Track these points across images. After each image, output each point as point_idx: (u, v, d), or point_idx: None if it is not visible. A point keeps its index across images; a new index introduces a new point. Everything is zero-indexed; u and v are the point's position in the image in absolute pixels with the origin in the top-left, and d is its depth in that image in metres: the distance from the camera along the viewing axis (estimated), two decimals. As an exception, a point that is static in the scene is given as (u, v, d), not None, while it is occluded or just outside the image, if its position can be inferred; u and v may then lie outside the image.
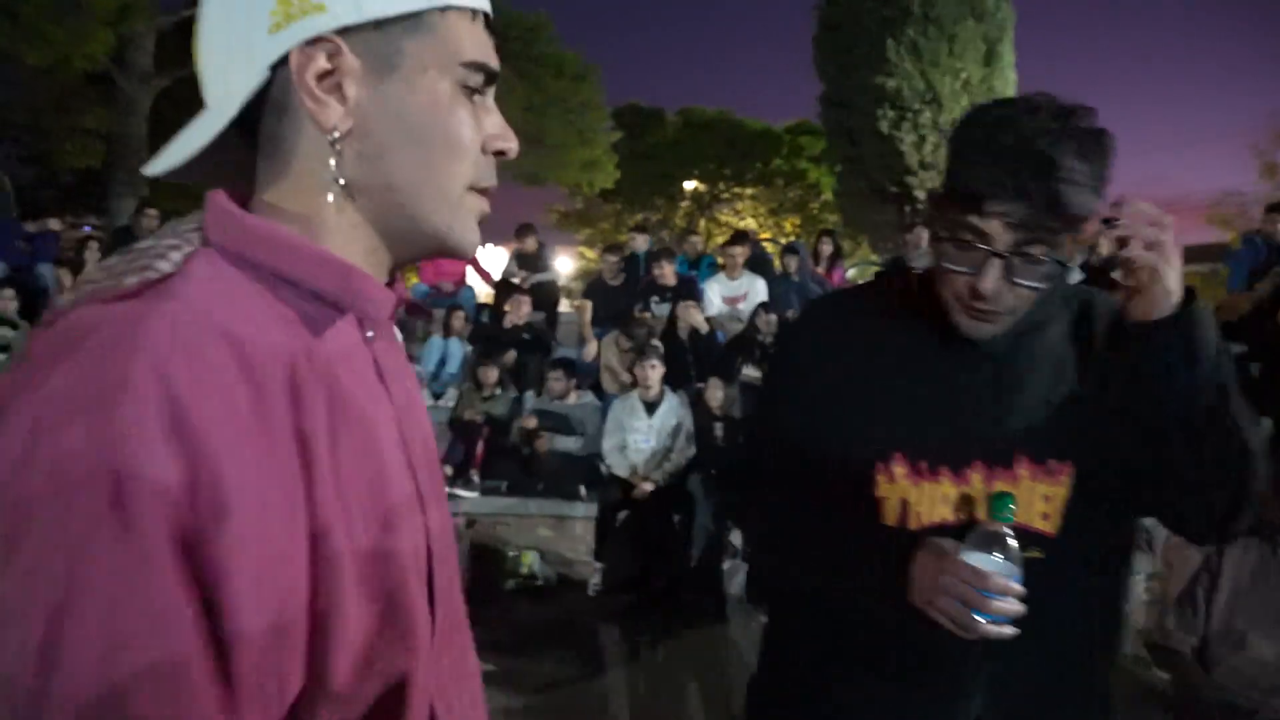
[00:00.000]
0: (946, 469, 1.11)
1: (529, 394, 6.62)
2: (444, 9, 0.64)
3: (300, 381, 0.58)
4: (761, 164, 23.35)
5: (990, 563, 0.99)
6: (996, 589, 0.97)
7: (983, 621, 0.97)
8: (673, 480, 5.56)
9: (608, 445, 5.73)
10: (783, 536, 1.22)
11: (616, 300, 7.45)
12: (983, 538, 1.01)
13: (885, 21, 13.86)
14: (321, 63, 0.61)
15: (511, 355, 6.84)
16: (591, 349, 7.15)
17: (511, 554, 5.63)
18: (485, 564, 5.62)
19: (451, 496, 5.79)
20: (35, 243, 7.33)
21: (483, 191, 0.68)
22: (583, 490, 5.88)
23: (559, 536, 5.79)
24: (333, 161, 0.63)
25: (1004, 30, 14.41)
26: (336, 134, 0.62)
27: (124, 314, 0.53)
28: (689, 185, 24.93)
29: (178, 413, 0.50)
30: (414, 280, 8.90)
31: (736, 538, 5.40)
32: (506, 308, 7.42)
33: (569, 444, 6.02)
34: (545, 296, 8.15)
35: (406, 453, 0.66)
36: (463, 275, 8.47)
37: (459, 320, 7.41)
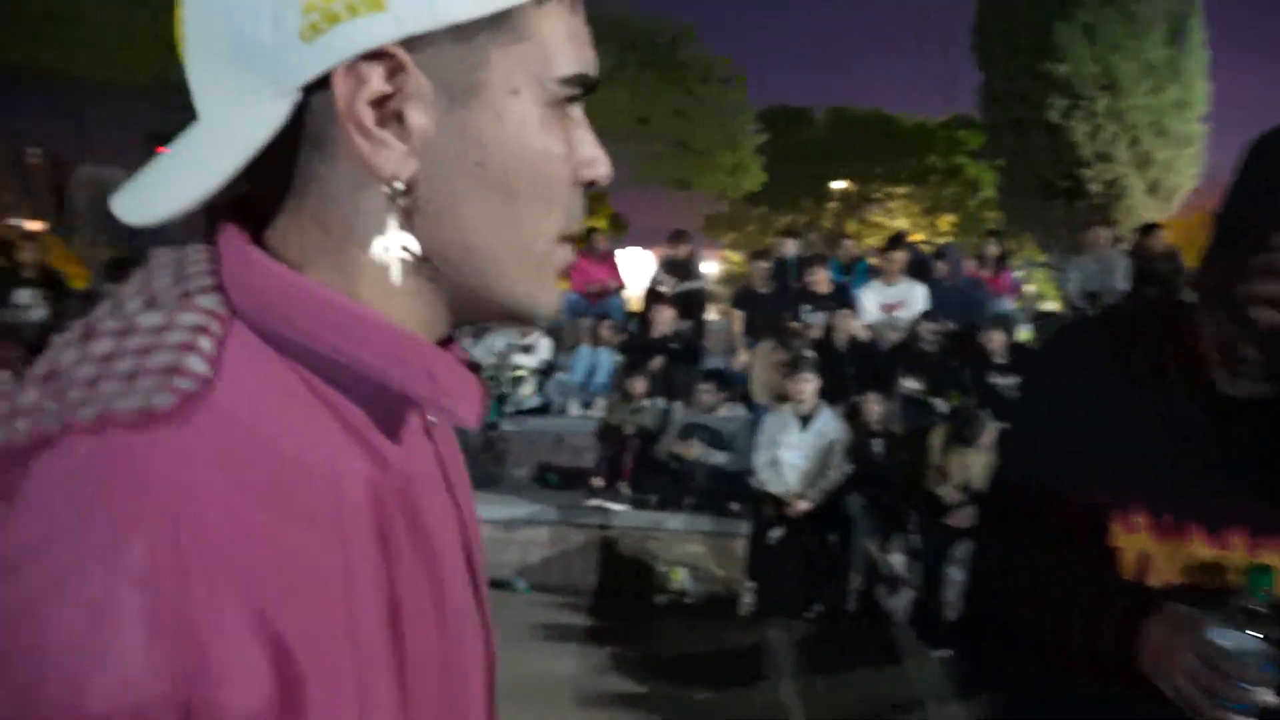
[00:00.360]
0: (1198, 528, 1.03)
1: (677, 405, 6.51)
2: (541, 0, 0.47)
3: (386, 518, 0.47)
4: (915, 161, 22.40)
5: (1244, 644, 0.86)
6: (1249, 678, 0.85)
7: (1231, 713, 0.85)
8: (828, 499, 5.30)
9: (759, 461, 5.54)
10: (1015, 575, 1.15)
11: (766, 308, 7.23)
12: (1236, 614, 0.88)
13: (1054, 4, 12.92)
14: (378, 84, 0.44)
15: (660, 365, 6.75)
16: (742, 359, 6.98)
17: (661, 569, 5.54)
18: (634, 578, 5.56)
19: (600, 509, 5.76)
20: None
21: (568, 239, 0.52)
22: (734, 506, 5.71)
23: (710, 553, 5.65)
24: (391, 219, 0.47)
25: (1192, 3, 13.12)
26: (398, 184, 0.46)
27: (171, 462, 0.39)
28: (837, 185, 24.25)
29: (266, 608, 0.39)
30: (563, 286, 8.99)
31: (898, 562, 5.09)
32: (650, 318, 7.36)
33: (719, 458, 5.87)
34: (693, 304, 8.04)
35: (470, 566, 0.56)
36: (614, 282, 8.48)
37: (607, 329, 7.40)
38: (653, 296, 7.90)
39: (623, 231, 23.56)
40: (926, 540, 5.05)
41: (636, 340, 7.18)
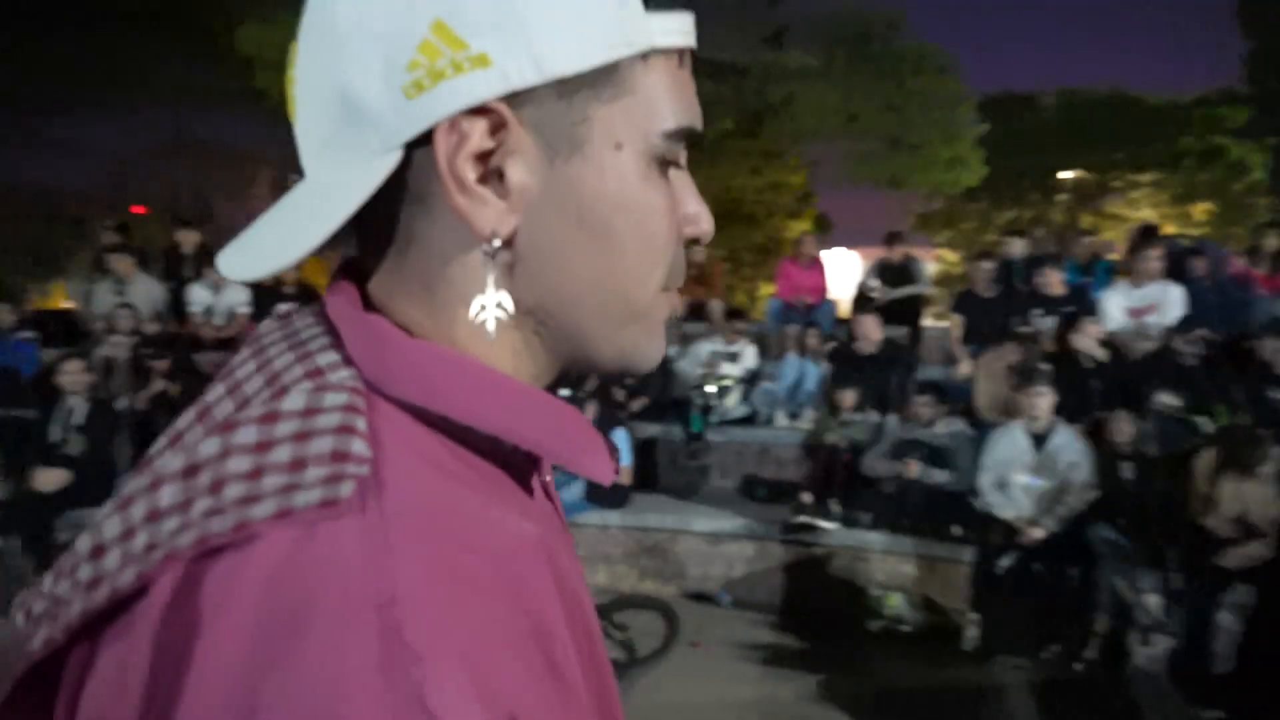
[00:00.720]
0: None
1: (891, 419, 6.14)
2: (646, 55, 0.47)
3: (558, 579, 0.46)
4: (1163, 144, 20.04)
5: None
6: None
7: None
8: (1067, 528, 4.77)
9: (985, 482, 5.09)
10: None
11: (990, 314, 6.67)
12: None
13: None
14: (479, 141, 0.44)
15: (870, 376, 6.41)
16: (963, 370, 6.48)
17: (875, 593, 5.23)
18: (845, 601, 5.28)
19: (809, 527, 5.53)
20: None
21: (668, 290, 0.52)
22: (956, 530, 5.28)
23: (928, 579, 5.26)
24: (491, 275, 0.46)
25: None
26: (497, 241, 0.45)
27: (373, 550, 0.38)
28: (1068, 176, 22.20)
29: (498, 691, 0.37)
30: (769, 292, 8.83)
31: (1154, 605, 4.48)
32: (858, 327, 7.00)
33: (939, 477, 5.45)
34: (909, 310, 7.59)
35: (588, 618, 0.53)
36: (823, 289, 8.19)
37: (814, 338, 7.14)
38: (861, 303, 7.53)
39: (827, 232, 22.93)
40: (1190, 581, 4.41)
41: (845, 349, 6.86)
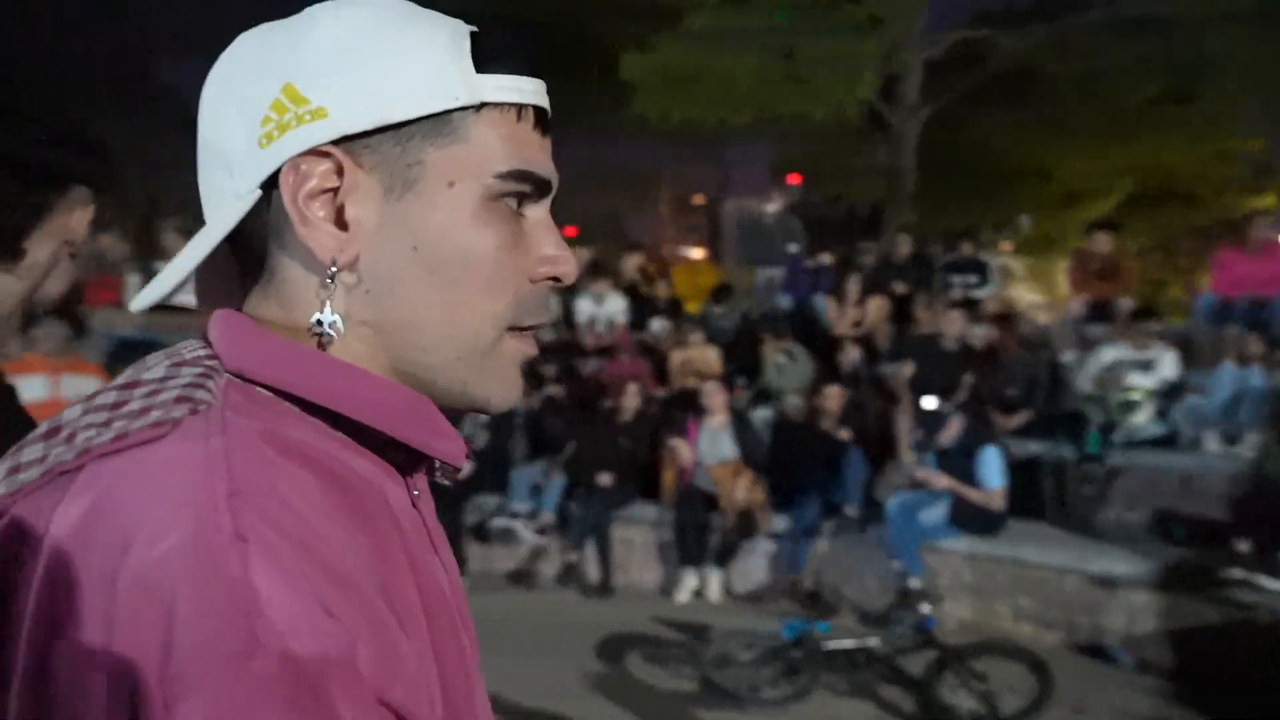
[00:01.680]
0: None
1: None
2: (479, 107, 0.52)
3: (406, 546, 0.52)
4: None
5: None
6: None
7: None
8: None
9: None
10: None
11: None
12: None
13: None
14: (316, 181, 0.51)
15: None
16: None
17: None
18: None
19: (1244, 583, 4.38)
20: (814, 276, 8.31)
21: (526, 329, 0.57)
22: None
23: None
24: (334, 298, 0.52)
25: None
26: (334, 267, 0.51)
27: (188, 452, 0.44)
28: None
29: (316, 558, 0.42)
30: (1205, 288, 7.28)
31: None
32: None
33: None
34: None
35: (466, 639, 0.57)
36: (1276, 282, 6.52)
37: (1257, 344, 5.68)
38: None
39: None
40: None
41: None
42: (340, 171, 0.51)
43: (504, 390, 0.56)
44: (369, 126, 0.50)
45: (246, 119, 0.51)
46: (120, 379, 0.51)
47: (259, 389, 0.50)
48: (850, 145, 18.49)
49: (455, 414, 0.57)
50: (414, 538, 0.53)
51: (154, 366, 0.51)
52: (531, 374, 7.11)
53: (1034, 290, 20.45)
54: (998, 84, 16.44)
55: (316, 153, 0.50)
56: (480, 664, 0.60)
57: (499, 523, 5.92)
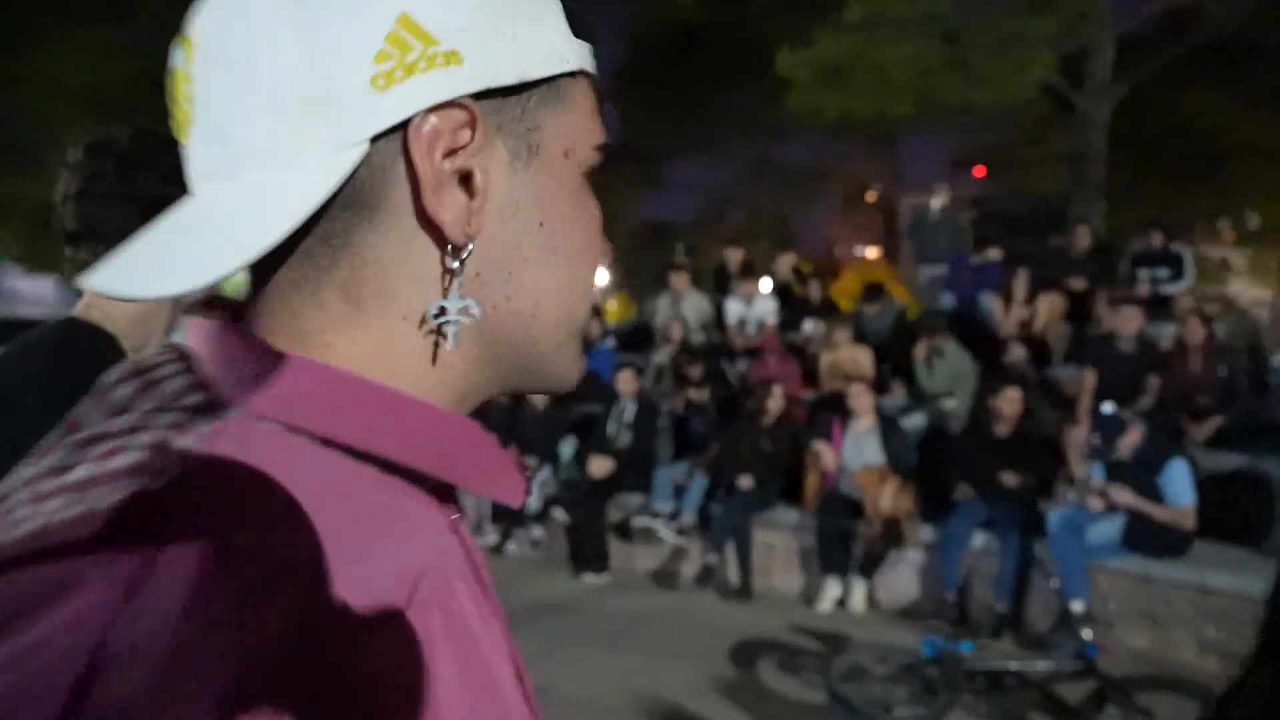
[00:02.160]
0: None
1: None
2: (576, 74, 0.47)
3: (461, 604, 0.43)
4: None
5: None
6: None
7: None
8: None
9: None
10: None
11: None
12: None
13: None
14: (448, 139, 0.42)
15: None
16: None
17: None
18: None
19: None
20: (980, 274, 7.80)
21: None
22: None
23: None
24: (454, 286, 0.44)
25: None
26: (470, 248, 0.44)
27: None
28: None
29: None
30: None
31: None
32: None
33: None
34: None
35: (523, 686, 0.47)
36: None
37: None
38: None
39: None
40: None
41: None
42: (473, 131, 0.43)
43: (580, 369, 0.52)
44: (511, 81, 0.43)
45: (352, 48, 0.40)
46: (82, 419, 0.43)
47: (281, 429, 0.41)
48: (1032, 132, 17.30)
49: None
50: (465, 598, 0.44)
51: (123, 405, 0.43)
52: (678, 375, 7.13)
53: (1258, 285, 18.46)
54: (1206, 57, 14.81)
55: (452, 104, 0.42)
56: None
57: (640, 521, 5.99)
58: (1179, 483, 4.56)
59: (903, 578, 5.50)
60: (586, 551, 6.07)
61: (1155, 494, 4.62)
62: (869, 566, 5.40)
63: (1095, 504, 4.81)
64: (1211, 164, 16.59)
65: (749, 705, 4.10)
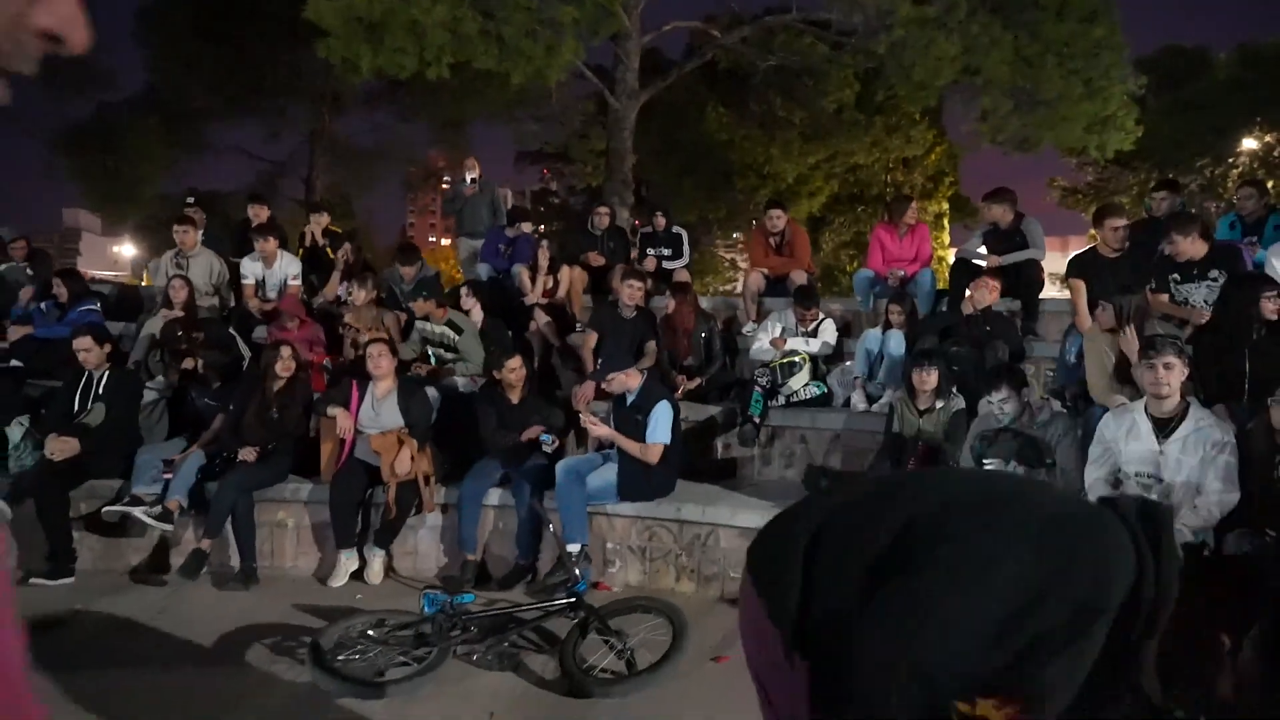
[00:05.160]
0: None
1: (996, 401, 5.14)
2: None
3: None
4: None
5: None
6: None
7: None
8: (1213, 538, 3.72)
9: (1092, 478, 4.09)
10: None
11: (1117, 278, 5.51)
12: None
13: None
14: None
15: (956, 357, 5.42)
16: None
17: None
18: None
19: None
20: (514, 246, 8.04)
21: None
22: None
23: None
24: None
25: None
26: None
27: None
28: (1249, 145, 19.49)
29: None
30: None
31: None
32: (967, 293, 6.01)
33: (1034, 475, 4.46)
34: (1023, 280, 6.50)
35: None
36: (921, 259, 7.18)
37: (897, 313, 6.18)
38: (962, 270, 6.51)
39: (972, 216, 21.14)
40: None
41: (931, 324, 5.89)
42: None
43: None
44: None
45: None
46: None
47: None
48: (580, 129, 18.59)
49: None
50: None
51: None
52: (175, 342, 6.19)
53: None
54: (715, 79, 17.26)
55: None
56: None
57: (113, 510, 5.02)
58: (658, 422, 5.02)
59: (424, 543, 5.37)
60: (46, 551, 4.94)
61: (642, 434, 5.04)
62: (386, 535, 5.16)
63: (591, 444, 5.16)
64: (726, 175, 19.40)
65: (233, 700, 3.60)
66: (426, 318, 6.40)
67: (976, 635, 1.43)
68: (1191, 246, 5.25)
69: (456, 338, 6.29)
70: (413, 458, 5.14)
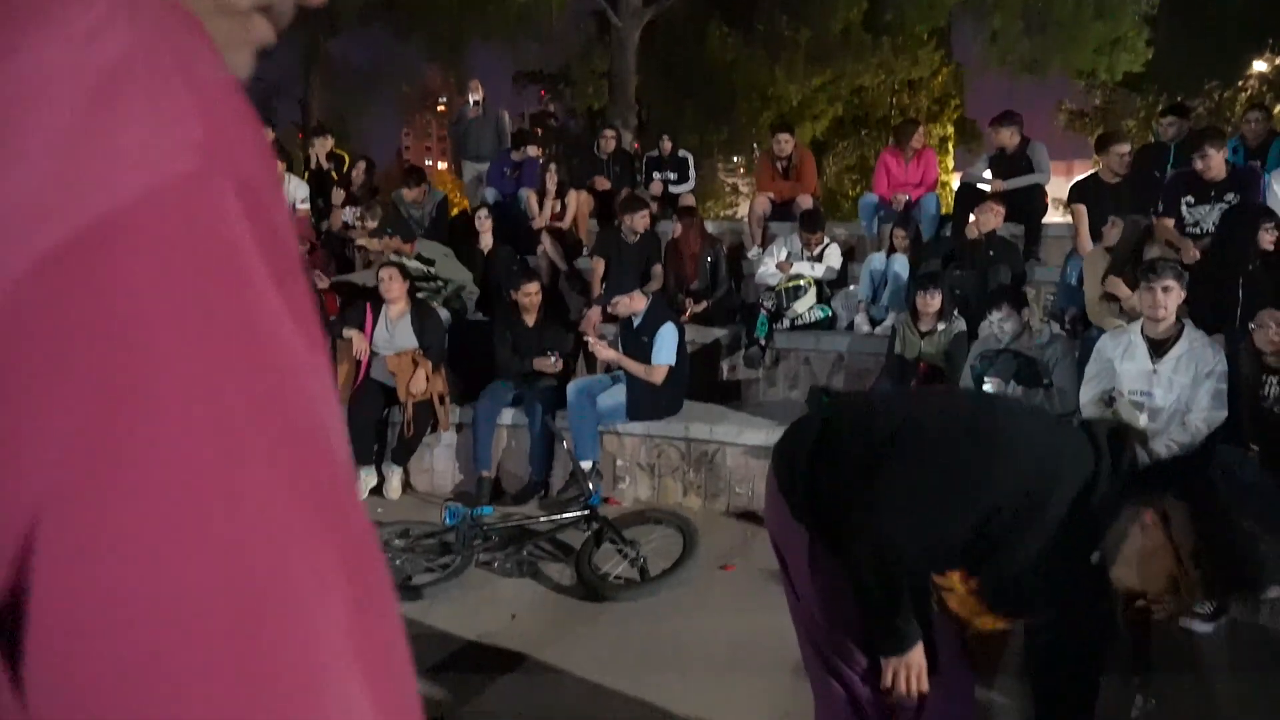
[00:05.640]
0: None
1: (995, 323, 5.26)
2: None
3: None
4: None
5: None
6: None
7: None
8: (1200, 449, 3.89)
9: (1086, 397, 4.25)
10: None
11: (1119, 202, 5.58)
12: None
13: None
14: None
15: (959, 280, 5.52)
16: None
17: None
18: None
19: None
20: (520, 170, 8.05)
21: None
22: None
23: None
24: None
25: None
26: None
27: None
28: (1259, 67, 19.16)
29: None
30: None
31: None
32: (971, 218, 6.08)
33: (1030, 395, 4.61)
34: (1027, 205, 6.55)
35: None
36: (927, 184, 7.21)
37: (901, 238, 6.25)
38: (967, 195, 6.56)
39: (975, 139, 20.92)
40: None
41: (935, 248, 5.98)
42: None
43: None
44: None
45: None
46: None
47: None
48: (581, 50, 18.23)
49: None
50: None
51: None
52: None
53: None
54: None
55: None
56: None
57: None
58: (663, 345, 5.15)
59: (440, 460, 5.57)
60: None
61: (648, 355, 5.18)
62: (403, 453, 5.35)
63: (600, 366, 5.31)
64: (729, 98, 19.08)
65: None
66: (398, 253, 6.44)
67: (934, 510, 1.66)
68: (1220, 164, 5.30)
69: (431, 268, 6.35)
70: (427, 378, 5.29)
